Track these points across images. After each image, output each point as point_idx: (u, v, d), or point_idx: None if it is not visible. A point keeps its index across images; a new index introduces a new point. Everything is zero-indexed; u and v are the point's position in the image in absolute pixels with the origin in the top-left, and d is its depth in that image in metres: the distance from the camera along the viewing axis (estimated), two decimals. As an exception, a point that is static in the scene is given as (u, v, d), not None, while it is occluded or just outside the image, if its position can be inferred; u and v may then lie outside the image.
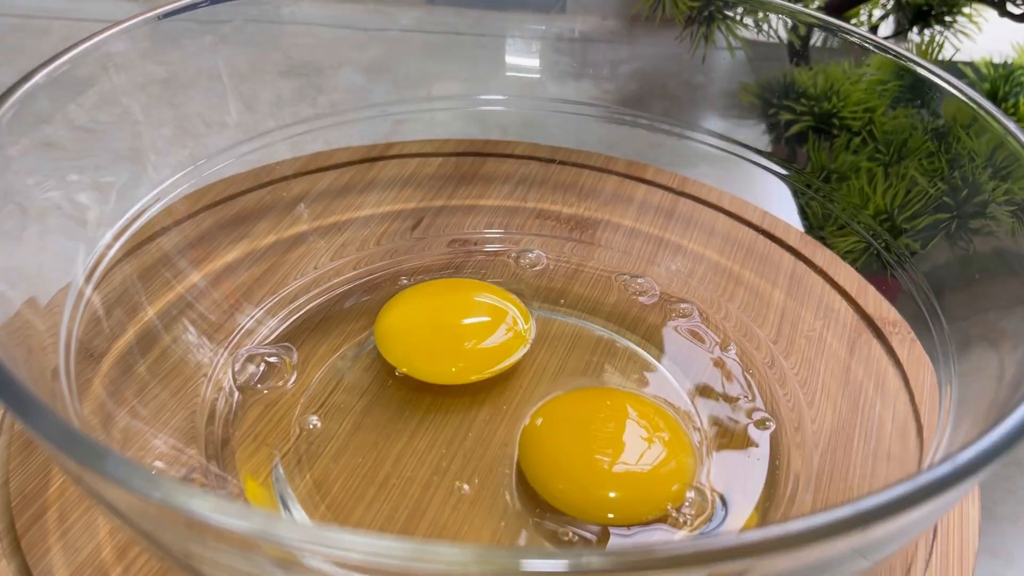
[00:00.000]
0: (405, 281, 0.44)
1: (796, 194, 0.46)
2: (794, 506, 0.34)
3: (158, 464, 0.34)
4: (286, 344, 0.40)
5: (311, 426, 0.36)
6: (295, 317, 0.41)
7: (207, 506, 0.19)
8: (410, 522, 0.33)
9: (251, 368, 0.38)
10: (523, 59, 0.52)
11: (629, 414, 0.36)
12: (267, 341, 0.40)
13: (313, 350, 0.40)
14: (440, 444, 0.36)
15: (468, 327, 0.40)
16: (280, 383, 0.38)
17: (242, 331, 0.40)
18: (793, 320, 0.41)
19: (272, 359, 0.39)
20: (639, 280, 0.44)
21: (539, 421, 0.36)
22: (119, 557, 0.30)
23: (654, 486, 0.33)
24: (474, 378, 0.38)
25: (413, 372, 0.38)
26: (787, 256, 0.45)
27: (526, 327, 0.40)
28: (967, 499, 0.34)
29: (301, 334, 0.40)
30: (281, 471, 0.34)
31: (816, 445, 0.36)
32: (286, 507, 0.33)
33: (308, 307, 0.42)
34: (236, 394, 0.37)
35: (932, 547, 0.32)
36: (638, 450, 0.34)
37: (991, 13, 0.56)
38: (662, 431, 0.35)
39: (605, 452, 0.34)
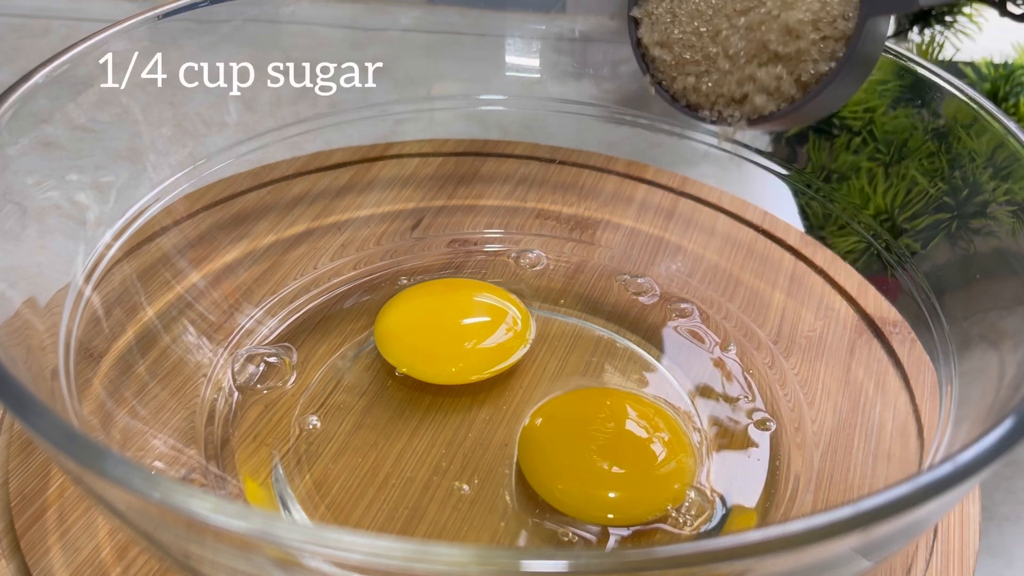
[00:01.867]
0: (405, 281, 0.44)
1: (796, 194, 0.46)
2: (794, 506, 0.34)
3: (158, 464, 0.34)
4: (286, 344, 0.40)
5: (311, 426, 0.36)
6: (295, 317, 0.41)
7: (207, 506, 0.19)
8: (410, 522, 0.33)
9: (251, 368, 0.38)
10: (523, 59, 0.52)
11: (629, 414, 0.36)
12: (267, 341, 0.40)
13: (313, 350, 0.39)
14: (440, 444, 0.36)
15: (468, 327, 0.40)
16: (279, 383, 0.38)
17: (242, 331, 0.40)
18: (793, 320, 0.41)
19: (272, 359, 0.39)
20: (639, 280, 0.44)
21: (539, 421, 0.36)
22: (119, 557, 0.30)
23: (654, 487, 0.33)
24: (474, 378, 0.38)
25: (413, 372, 0.38)
26: (787, 256, 0.45)
27: (526, 327, 0.40)
28: (967, 499, 0.34)
29: (301, 334, 0.40)
30: (281, 471, 0.34)
31: (816, 445, 0.36)
32: (286, 507, 0.33)
33: (308, 307, 0.42)
34: (236, 394, 0.37)
35: (932, 547, 0.32)
36: (638, 451, 0.34)
37: (991, 13, 0.56)
38: (662, 431, 0.35)
39: (605, 453, 0.34)
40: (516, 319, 0.40)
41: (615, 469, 0.34)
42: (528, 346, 0.40)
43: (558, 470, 0.34)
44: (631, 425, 0.35)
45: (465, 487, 0.34)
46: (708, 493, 0.34)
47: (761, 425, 0.37)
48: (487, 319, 0.40)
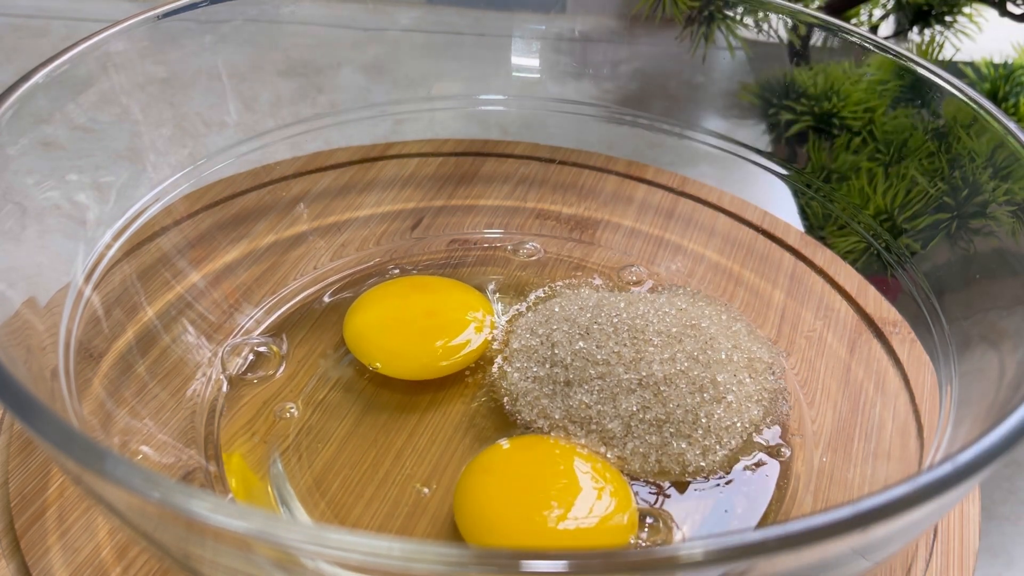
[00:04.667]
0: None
1: (796, 194, 0.46)
2: (794, 506, 0.34)
3: (144, 449, 0.34)
4: (281, 338, 0.40)
5: (310, 423, 0.36)
6: (293, 313, 0.41)
7: (207, 506, 0.19)
8: (410, 520, 0.33)
9: (249, 362, 0.38)
10: (523, 59, 0.52)
11: (566, 472, 0.33)
12: (257, 332, 0.40)
13: (313, 348, 0.39)
14: (440, 441, 0.36)
15: (431, 322, 0.40)
16: (272, 372, 0.38)
17: (241, 331, 0.40)
18: (793, 320, 0.41)
19: (261, 348, 0.39)
20: (633, 268, 0.44)
21: (472, 477, 0.33)
22: (119, 557, 0.30)
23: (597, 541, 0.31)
24: (444, 364, 0.38)
25: (385, 370, 0.38)
26: (787, 256, 0.45)
27: (488, 317, 0.40)
28: (967, 499, 0.34)
29: (300, 331, 0.40)
30: (280, 468, 0.34)
31: (816, 445, 0.36)
32: (285, 505, 0.33)
33: (307, 304, 0.42)
34: (226, 386, 0.37)
35: (932, 547, 0.32)
36: (572, 512, 0.32)
37: (991, 13, 0.56)
38: (602, 488, 0.33)
39: (541, 515, 0.32)
40: (479, 311, 0.40)
41: (552, 528, 0.31)
42: (492, 334, 0.39)
43: (490, 530, 0.31)
44: (568, 484, 0.33)
45: (465, 487, 0.34)
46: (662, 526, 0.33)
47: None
48: (448, 313, 0.40)
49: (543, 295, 0.42)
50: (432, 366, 0.38)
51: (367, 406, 0.37)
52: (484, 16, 0.56)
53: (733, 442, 0.35)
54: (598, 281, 0.43)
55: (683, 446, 0.34)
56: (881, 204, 0.42)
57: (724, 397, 0.35)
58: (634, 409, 0.35)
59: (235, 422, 0.36)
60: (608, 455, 0.34)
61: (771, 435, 0.36)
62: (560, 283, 0.43)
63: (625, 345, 0.36)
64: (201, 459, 0.34)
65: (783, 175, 0.46)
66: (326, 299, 0.42)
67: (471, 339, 0.39)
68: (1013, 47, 0.53)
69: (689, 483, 0.34)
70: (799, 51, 0.50)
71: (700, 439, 0.35)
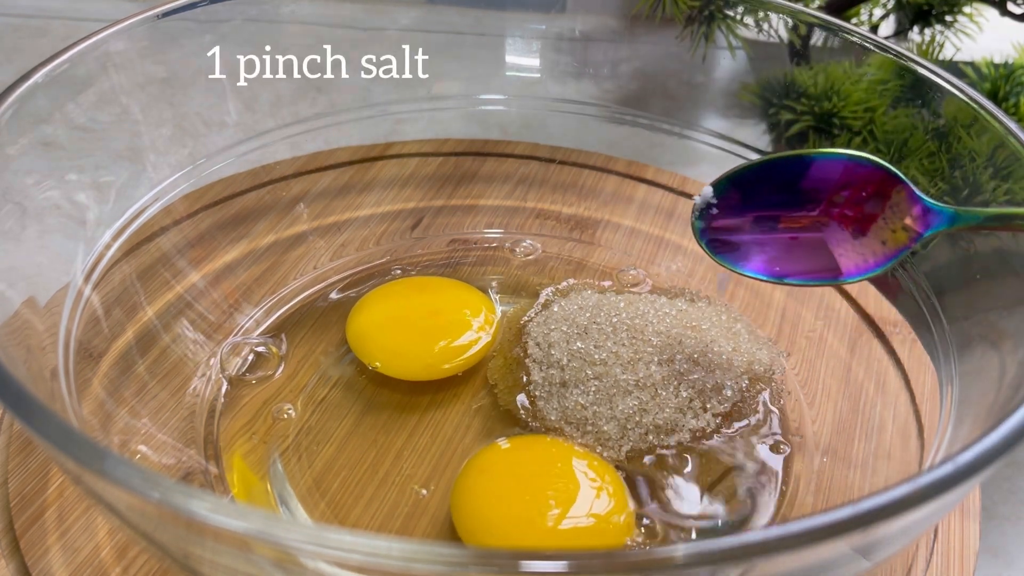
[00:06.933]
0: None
1: (796, 194, 0.46)
2: (794, 506, 0.34)
3: (144, 449, 0.34)
4: (281, 338, 0.40)
5: (310, 423, 0.36)
6: (293, 313, 0.41)
7: (206, 506, 0.19)
8: (410, 520, 0.33)
9: (249, 363, 0.38)
10: (523, 59, 0.52)
11: (563, 473, 0.33)
12: (256, 332, 0.40)
13: (312, 348, 0.39)
14: (440, 441, 0.36)
15: (434, 323, 0.40)
16: (271, 372, 0.38)
17: (241, 331, 0.40)
18: (793, 320, 0.41)
19: (261, 348, 0.39)
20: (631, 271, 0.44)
21: (470, 477, 0.33)
22: (118, 557, 0.30)
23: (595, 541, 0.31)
24: (447, 366, 0.38)
25: (386, 370, 0.38)
26: (787, 256, 0.44)
27: (492, 318, 0.40)
28: (967, 499, 0.34)
29: (300, 331, 0.40)
30: (280, 468, 0.34)
31: (816, 445, 0.36)
32: (285, 505, 0.33)
33: (306, 305, 0.42)
34: (226, 386, 0.37)
35: (932, 547, 0.32)
36: (570, 511, 0.32)
37: (992, 13, 0.56)
38: (600, 489, 0.33)
39: (539, 516, 0.32)
40: (481, 312, 0.40)
41: (548, 528, 0.31)
42: (492, 337, 0.39)
43: (485, 530, 0.31)
44: (564, 485, 0.33)
45: (465, 487, 0.34)
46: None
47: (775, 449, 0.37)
48: (451, 314, 0.40)
49: (549, 297, 0.41)
50: (435, 367, 0.38)
51: (367, 406, 0.37)
52: (484, 16, 0.56)
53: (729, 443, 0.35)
54: (607, 283, 0.43)
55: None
56: (881, 204, 0.42)
57: (722, 401, 0.35)
58: (631, 411, 0.35)
59: (235, 422, 0.36)
60: (604, 455, 0.34)
61: (771, 434, 0.36)
62: (565, 283, 0.42)
63: (624, 345, 0.36)
64: (201, 459, 0.34)
65: (783, 175, 0.46)
66: (326, 299, 0.42)
67: (473, 341, 0.39)
68: (1013, 47, 0.53)
69: (687, 483, 0.34)
70: (799, 51, 0.50)
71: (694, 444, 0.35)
